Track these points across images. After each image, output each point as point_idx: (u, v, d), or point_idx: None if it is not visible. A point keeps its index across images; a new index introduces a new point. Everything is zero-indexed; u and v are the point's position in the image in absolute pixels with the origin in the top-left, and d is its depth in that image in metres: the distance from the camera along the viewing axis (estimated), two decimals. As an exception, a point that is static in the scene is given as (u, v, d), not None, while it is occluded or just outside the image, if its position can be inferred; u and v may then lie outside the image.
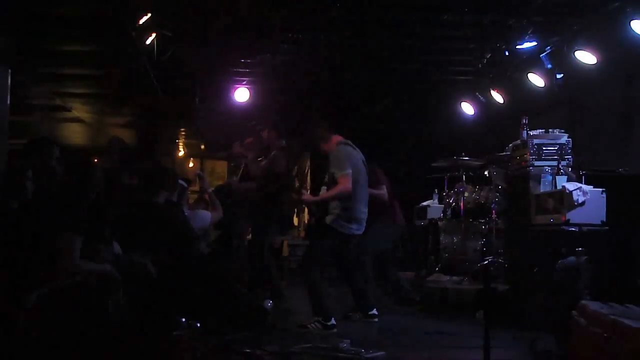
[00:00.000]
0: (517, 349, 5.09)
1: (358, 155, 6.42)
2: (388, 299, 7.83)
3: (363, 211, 6.34)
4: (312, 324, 5.91)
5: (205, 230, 6.65)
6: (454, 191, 8.63)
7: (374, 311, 6.53)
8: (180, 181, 6.54)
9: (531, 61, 8.33)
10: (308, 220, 13.54)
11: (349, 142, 6.45)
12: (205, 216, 6.61)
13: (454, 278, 7.82)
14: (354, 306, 6.79)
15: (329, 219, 6.20)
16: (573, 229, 5.59)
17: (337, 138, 6.42)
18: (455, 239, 8.27)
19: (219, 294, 5.32)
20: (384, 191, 7.42)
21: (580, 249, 5.12)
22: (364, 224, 6.39)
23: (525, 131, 6.51)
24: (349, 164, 6.19)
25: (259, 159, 7.66)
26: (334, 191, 6.17)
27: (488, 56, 8.64)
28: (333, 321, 5.93)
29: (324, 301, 6.05)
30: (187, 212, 6.57)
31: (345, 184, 6.10)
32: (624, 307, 3.99)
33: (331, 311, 6.03)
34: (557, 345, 4.71)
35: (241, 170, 7.99)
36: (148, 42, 7.44)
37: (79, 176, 4.60)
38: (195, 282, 5.21)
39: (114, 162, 6.89)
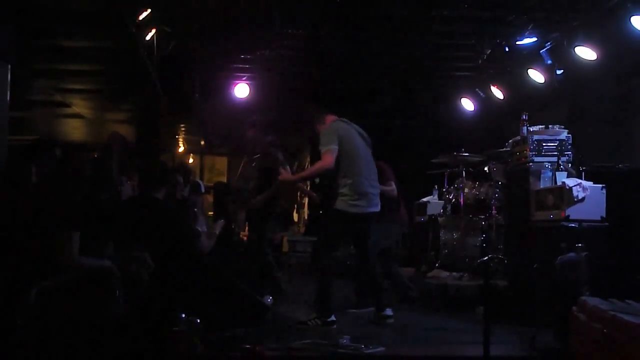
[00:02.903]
0: (516, 344, 5.09)
1: (352, 130, 6.06)
2: (388, 295, 7.83)
3: (370, 185, 5.96)
4: (311, 321, 5.87)
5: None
6: (454, 187, 8.63)
7: (388, 311, 6.11)
8: (199, 181, 6.63)
9: (531, 57, 8.33)
10: (308, 216, 13.55)
11: (344, 119, 6.14)
12: (202, 224, 6.69)
13: (454, 274, 7.82)
14: (355, 302, 6.79)
15: (335, 202, 5.94)
16: (573, 225, 5.60)
17: (331, 117, 6.15)
18: (455, 235, 8.28)
19: (218, 290, 5.32)
20: (392, 187, 7.33)
21: (580, 245, 5.12)
22: (376, 200, 6.01)
23: (525, 127, 6.50)
24: (335, 139, 5.83)
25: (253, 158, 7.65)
26: (313, 167, 5.87)
27: (488, 52, 8.64)
28: (333, 317, 5.88)
29: (328, 293, 5.88)
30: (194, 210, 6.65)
31: (325, 159, 5.77)
32: (623, 303, 4.00)
33: (331, 306, 5.92)
34: (557, 340, 4.72)
35: (240, 168, 7.99)
36: (148, 37, 7.43)
37: (71, 171, 4.61)
38: (195, 278, 5.21)
39: (114, 158, 6.91)
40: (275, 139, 7.60)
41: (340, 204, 5.88)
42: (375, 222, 6.23)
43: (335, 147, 5.80)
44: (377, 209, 6.04)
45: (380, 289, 6.17)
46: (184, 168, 8.14)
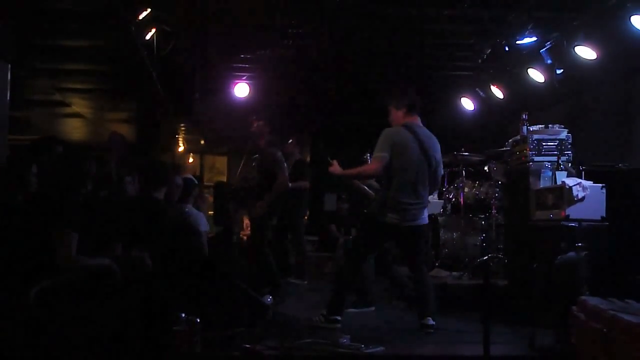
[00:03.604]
0: (516, 344, 5.10)
1: (410, 139, 5.76)
2: (388, 295, 7.83)
3: (406, 201, 5.68)
4: (317, 317, 5.83)
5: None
6: (454, 187, 8.63)
7: (430, 321, 5.69)
8: (190, 176, 6.61)
9: (531, 56, 8.32)
10: (307, 216, 13.52)
11: (415, 125, 5.87)
12: (202, 220, 6.67)
13: (454, 273, 7.83)
14: (355, 302, 6.78)
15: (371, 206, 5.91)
16: (573, 224, 5.59)
17: (402, 119, 5.90)
18: (455, 235, 8.28)
19: (218, 289, 5.32)
20: None
21: (579, 244, 5.12)
22: (414, 213, 5.74)
23: (525, 126, 6.50)
24: (388, 148, 5.65)
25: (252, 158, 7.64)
26: (357, 169, 5.88)
27: (488, 51, 8.63)
28: (338, 317, 5.76)
29: (343, 296, 5.83)
30: (187, 209, 6.62)
31: (371, 165, 5.75)
32: (623, 302, 3.99)
33: (341, 309, 5.83)
34: (556, 340, 4.72)
35: (240, 166, 7.97)
36: (148, 37, 7.43)
37: (72, 170, 4.62)
38: (195, 278, 5.22)
39: (113, 158, 6.91)
40: (274, 138, 7.59)
41: (372, 207, 5.89)
42: None
43: (384, 155, 5.66)
44: (418, 222, 5.80)
45: (426, 300, 5.82)
46: (177, 168, 8.14)
